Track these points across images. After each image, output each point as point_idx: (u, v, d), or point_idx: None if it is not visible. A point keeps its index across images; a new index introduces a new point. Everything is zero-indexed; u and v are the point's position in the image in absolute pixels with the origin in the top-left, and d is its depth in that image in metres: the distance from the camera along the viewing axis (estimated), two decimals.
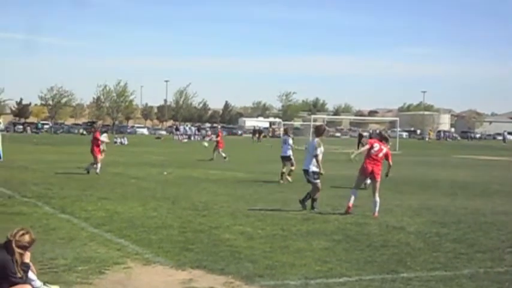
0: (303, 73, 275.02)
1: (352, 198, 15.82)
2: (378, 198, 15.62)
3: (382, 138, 16.53)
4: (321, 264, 10.17)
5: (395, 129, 67.20)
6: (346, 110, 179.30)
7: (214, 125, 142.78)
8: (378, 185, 15.86)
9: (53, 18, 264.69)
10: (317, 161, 16.54)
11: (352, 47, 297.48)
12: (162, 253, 10.82)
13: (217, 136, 42.15)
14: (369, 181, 23.31)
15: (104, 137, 29.57)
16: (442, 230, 13.55)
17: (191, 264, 10.01)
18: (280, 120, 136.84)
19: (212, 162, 36.37)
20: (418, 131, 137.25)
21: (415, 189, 23.05)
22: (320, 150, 16.53)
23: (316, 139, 16.92)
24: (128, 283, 8.91)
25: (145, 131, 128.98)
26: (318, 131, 17.53)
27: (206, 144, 33.38)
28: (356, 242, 12.16)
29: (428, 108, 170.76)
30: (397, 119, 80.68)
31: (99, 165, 26.41)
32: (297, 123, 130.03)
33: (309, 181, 16.86)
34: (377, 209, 15.58)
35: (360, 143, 61.48)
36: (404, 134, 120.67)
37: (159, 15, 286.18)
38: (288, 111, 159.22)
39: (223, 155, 39.27)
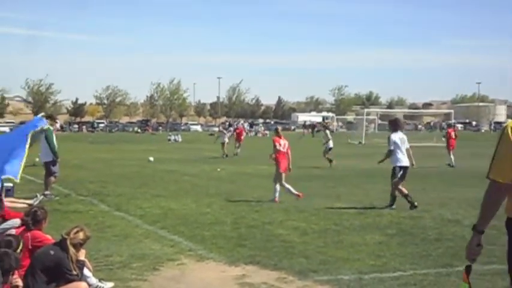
0: (356, 67, 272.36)
1: None
2: (278, 187, 17.17)
3: (278, 132, 18.23)
4: (374, 258, 10.10)
5: (451, 121, 66.16)
6: (400, 103, 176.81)
7: (267, 120, 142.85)
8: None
9: (108, 18, 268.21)
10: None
11: (405, 40, 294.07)
12: (215, 249, 10.87)
13: (239, 131, 42.39)
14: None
15: None
16: (498, 223, 13.20)
17: (244, 260, 10.03)
18: (333, 114, 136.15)
19: (262, 158, 36.20)
20: (474, 123, 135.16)
21: (470, 181, 22.68)
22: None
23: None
24: (182, 279, 8.97)
25: (198, 128, 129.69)
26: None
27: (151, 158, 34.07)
28: (410, 236, 12.04)
29: (483, 99, 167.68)
30: (452, 111, 79.43)
31: None
32: (350, 117, 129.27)
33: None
34: (277, 194, 17.03)
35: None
36: (460, 126, 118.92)
37: (211, 12, 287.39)
38: (340, 106, 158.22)
39: (237, 151, 39.78)
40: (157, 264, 9.76)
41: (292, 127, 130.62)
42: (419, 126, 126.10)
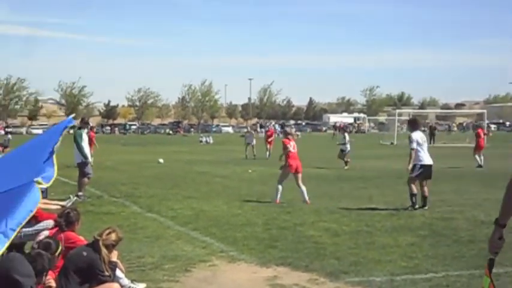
0: (387, 67, 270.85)
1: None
2: (303, 187, 16.95)
3: (287, 134, 18.18)
4: (406, 260, 10.04)
5: (483, 122, 65.53)
6: (432, 103, 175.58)
7: (299, 121, 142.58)
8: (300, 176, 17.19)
9: (139, 21, 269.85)
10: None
11: (436, 40, 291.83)
12: (246, 250, 10.89)
13: (270, 134, 41.80)
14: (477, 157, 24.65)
15: None
16: None
17: (276, 261, 10.03)
18: (364, 115, 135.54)
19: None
20: (507, 123, 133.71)
21: (503, 182, 22.35)
22: None
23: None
24: (214, 280, 9.00)
25: (230, 130, 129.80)
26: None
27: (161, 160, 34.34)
28: (443, 237, 11.95)
29: None
30: (485, 111, 78.66)
31: None
32: (382, 118, 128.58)
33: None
34: (305, 196, 16.81)
35: (433, 135, 60.28)
36: (493, 127, 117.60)
37: (243, 14, 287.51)
38: (372, 106, 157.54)
39: (268, 153, 38.36)
40: (189, 265, 9.79)
41: (324, 128, 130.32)
42: (452, 126, 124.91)
